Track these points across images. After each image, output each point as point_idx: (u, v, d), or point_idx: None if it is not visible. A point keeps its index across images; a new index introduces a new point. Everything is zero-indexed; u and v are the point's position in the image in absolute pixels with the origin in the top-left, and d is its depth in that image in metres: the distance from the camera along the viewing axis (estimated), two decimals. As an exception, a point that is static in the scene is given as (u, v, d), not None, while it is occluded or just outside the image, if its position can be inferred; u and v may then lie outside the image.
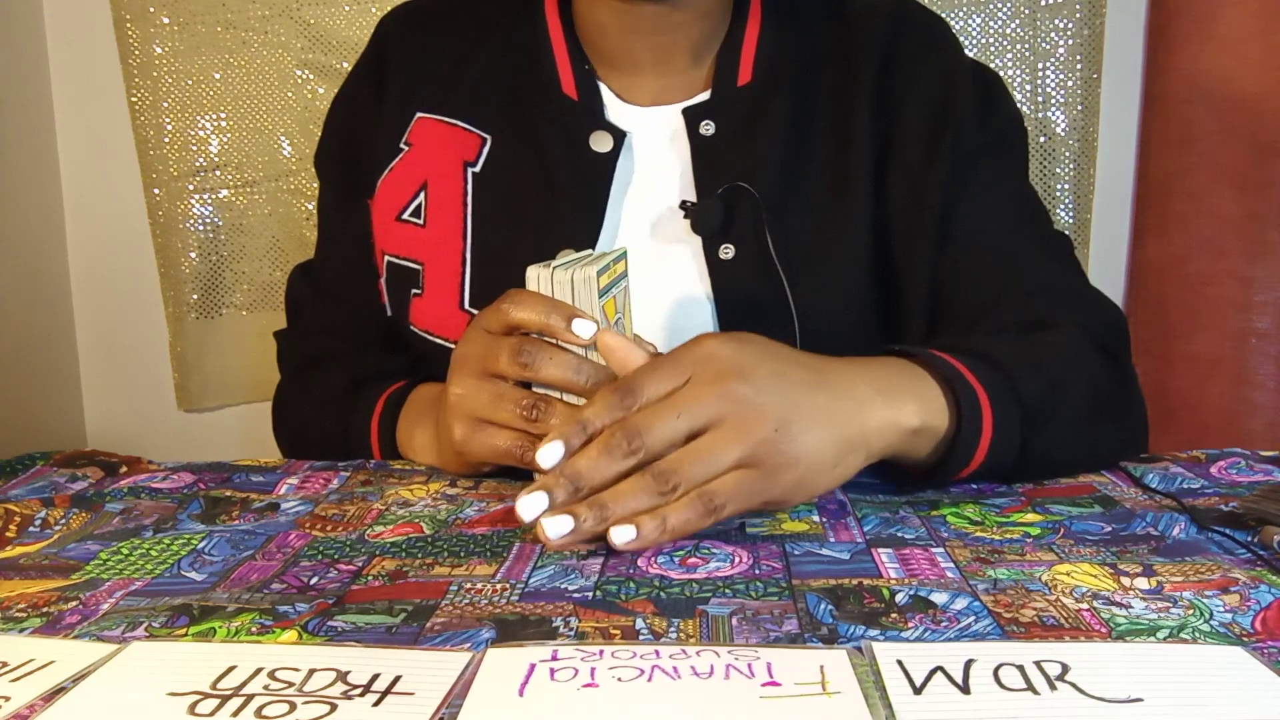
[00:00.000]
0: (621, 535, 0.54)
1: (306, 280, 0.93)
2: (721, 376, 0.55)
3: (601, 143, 0.81)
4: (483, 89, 0.84)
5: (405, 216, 0.82)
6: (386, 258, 0.84)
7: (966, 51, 0.86)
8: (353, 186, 0.86)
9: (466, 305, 0.80)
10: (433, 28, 0.87)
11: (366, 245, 0.86)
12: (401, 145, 0.84)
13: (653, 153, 0.82)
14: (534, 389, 0.63)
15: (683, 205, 0.79)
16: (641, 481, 0.54)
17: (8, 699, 0.40)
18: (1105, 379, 0.72)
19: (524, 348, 0.61)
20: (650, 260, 0.79)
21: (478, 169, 0.82)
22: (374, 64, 0.87)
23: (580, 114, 0.82)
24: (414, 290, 0.82)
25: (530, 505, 0.55)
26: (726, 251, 0.78)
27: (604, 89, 0.83)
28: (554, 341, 0.62)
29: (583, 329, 0.61)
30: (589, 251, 0.73)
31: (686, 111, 0.81)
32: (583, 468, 0.55)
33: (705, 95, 0.82)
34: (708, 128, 0.81)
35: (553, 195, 0.80)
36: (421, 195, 0.82)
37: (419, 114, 0.84)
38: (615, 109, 0.83)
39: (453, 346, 0.75)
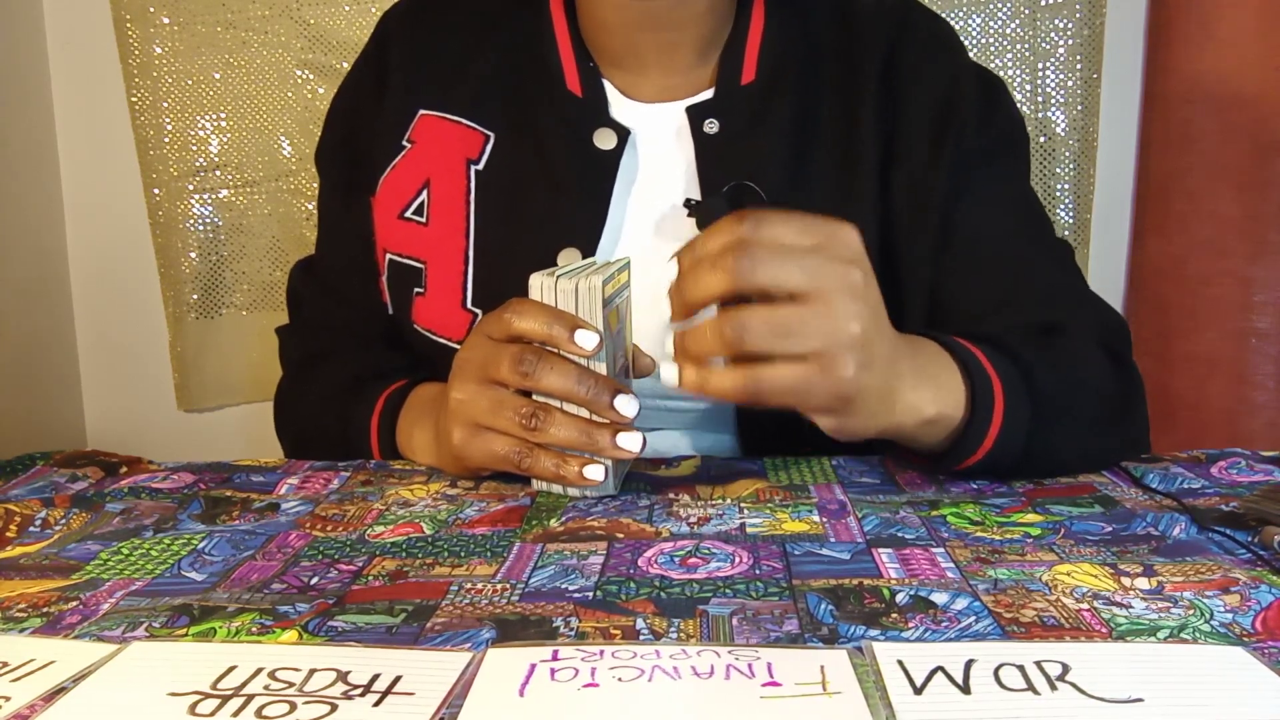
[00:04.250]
0: (669, 373, 0.55)
1: (307, 276, 0.93)
2: (849, 265, 0.54)
3: (605, 140, 0.81)
4: (486, 86, 0.84)
5: (407, 214, 0.82)
6: (388, 256, 0.84)
7: (967, 52, 0.86)
8: (354, 184, 0.86)
9: (469, 304, 0.80)
10: (435, 24, 0.87)
11: (368, 242, 0.86)
12: (404, 143, 0.83)
13: (657, 150, 0.82)
14: (534, 397, 0.63)
15: (687, 203, 0.79)
16: (716, 330, 0.53)
17: (8, 699, 0.40)
18: (1112, 382, 0.73)
19: (525, 356, 0.62)
20: (654, 258, 0.79)
21: (481, 167, 0.81)
22: (375, 61, 0.87)
23: (584, 111, 0.82)
24: (416, 289, 0.82)
25: (669, 372, 0.56)
26: None
27: (608, 86, 0.83)
28: (556, 351, 0.62)
29: (586, 340, 0.61)
30: (592, 260, 0.73)
31: (690, 109, 0.81)
32: (685, 266, 0.55)
33: (709, 93, 0.82)
34: (711, 126, 0.81)
35: (556, 193, 0.80)
36: (424, 193, 0.82)
37: (421, 111, 0.84)
38: (619, 106, 0.83)
39: (455, 346, 0.75)
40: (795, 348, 0.53)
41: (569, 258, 0.78)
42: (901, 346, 0.60)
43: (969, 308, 0.77)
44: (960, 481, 0.67)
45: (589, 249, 0.79)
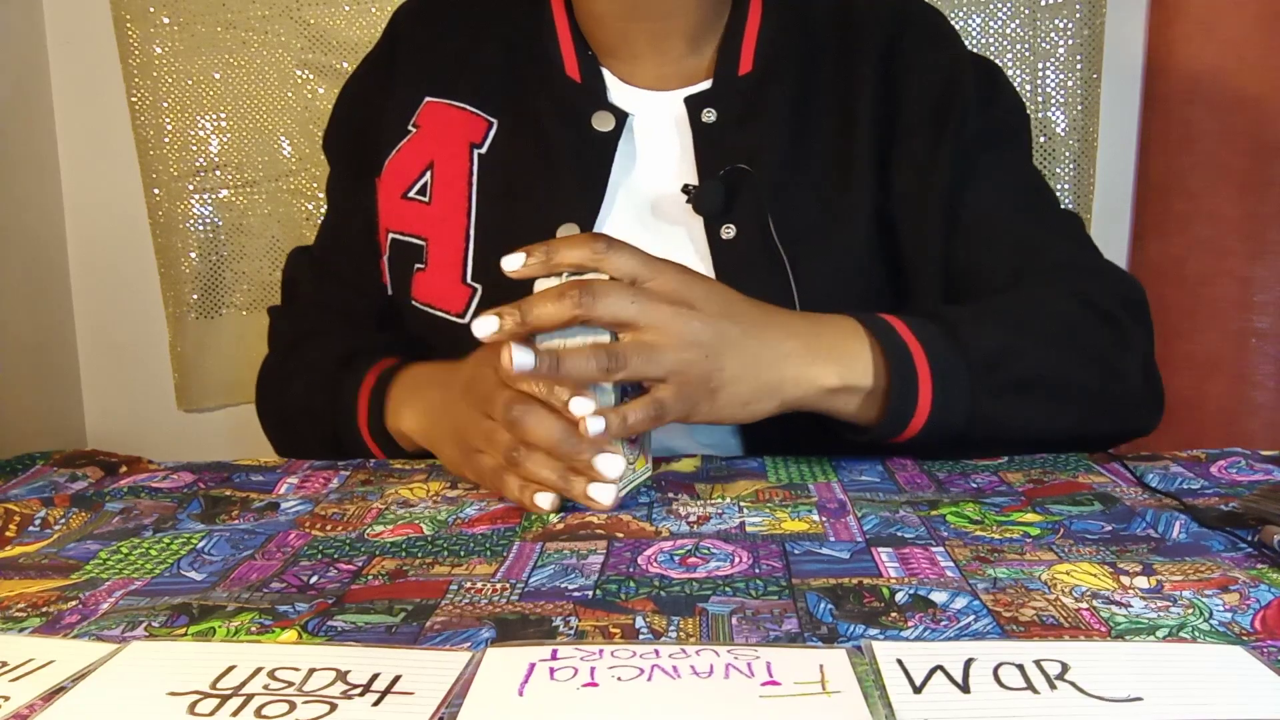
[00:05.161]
0: (594, 425, 0.59)
1: (305, 258, 0.94)
2: (675, 295, 0.62)
3: (604, 122, 0.82)
4: (490, 76, 0.86)
5: (411, 194, 0.84)
6: (390, 235, 0.85)
7: (964, 43, 0.87)
8: (360, 169, 0.88)
9: (469, 279, 0.81)
10: (444, 20, 0.89)
11: (371, 225, 0.87)
12: (410, 127, 0.86)
13: (654, 136, 0.83)
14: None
15: (685, 189, 0.80)
16: (595, 354, 0.60)
17: (7, 699, 0.40)
18: (1090, 337, 0.73)
19: (514, 405, 0.62)
20: (650, 241, 0.79)
21: (484, 150, 0.84)
22: (386, 53, 0.90)
23: (583, 95, 0.84)
24: (417, 265, 0.83)
25: (483, 325, 0.60)
26: (728, 231, 0.79)
27: (606, 74, 0.85)
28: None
29: (580, 407, 0.60)
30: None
31: (689, 100, 0.83)
32: (534, 304, 0.60)
33: (707, 84, 0.83)
34: (709, 115, 0.82)
35: (555, 173, 0.82)
36: (428, 174, 0.84)
37: (428, 98, 0.86)
38: (617, 91, 0.85)
39: (454, 319, 0.79)
40: (659, 367, 0.61)
41: (568, 233, 0.79)
42: (782, 330, 0.66)
43: (979, 287, 0.78)
44: (959, 479, 0.67)
45: (587, 225, 0.80)
